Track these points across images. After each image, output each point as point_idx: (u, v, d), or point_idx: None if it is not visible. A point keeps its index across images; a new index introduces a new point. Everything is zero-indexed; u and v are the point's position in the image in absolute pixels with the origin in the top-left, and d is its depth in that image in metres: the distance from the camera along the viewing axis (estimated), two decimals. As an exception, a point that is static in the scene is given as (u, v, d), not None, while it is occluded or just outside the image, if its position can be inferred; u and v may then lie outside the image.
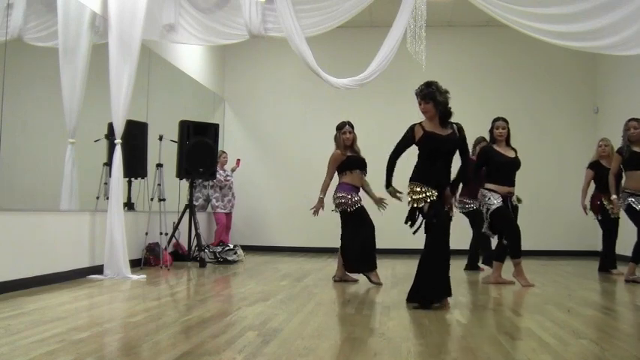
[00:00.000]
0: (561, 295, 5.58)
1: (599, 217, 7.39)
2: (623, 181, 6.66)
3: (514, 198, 6.20)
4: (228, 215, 9.56)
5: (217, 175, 8.72)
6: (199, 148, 7.76)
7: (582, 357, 3.11)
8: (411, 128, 4.77)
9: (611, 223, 7.28)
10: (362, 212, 6.18)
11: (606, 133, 10.50)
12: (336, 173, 6.30)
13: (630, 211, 6.46)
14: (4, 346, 3.10)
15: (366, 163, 6.29)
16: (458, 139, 4.76)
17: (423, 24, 6.61)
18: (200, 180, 8.91)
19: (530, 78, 10.81)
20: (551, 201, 10.46)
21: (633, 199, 6.38)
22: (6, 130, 5.17)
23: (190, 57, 9.60)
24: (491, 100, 10.77)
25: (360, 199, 6.21)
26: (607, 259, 7.43)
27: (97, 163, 6.77)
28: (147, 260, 7.23)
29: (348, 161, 6.21)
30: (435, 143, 4.68)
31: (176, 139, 7.73)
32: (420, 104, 4.72)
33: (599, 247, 10.49)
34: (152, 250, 7.35)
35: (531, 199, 10.60)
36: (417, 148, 4.79)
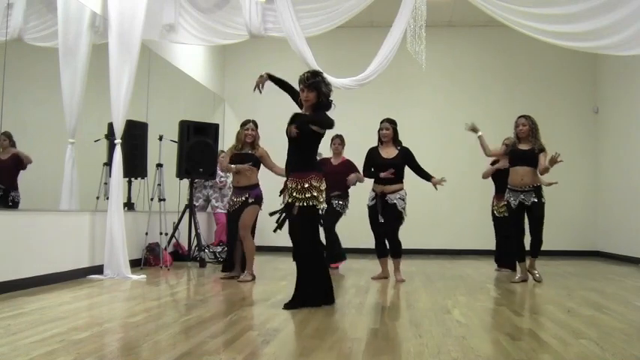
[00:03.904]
0: (561, 295, 5.58)
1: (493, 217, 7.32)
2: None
3: (392, 197, 6.27)
4: (228, 215, 9.55)
5: (217, 176, 8.72)
6: (199, 148, 7.75)
7: (582, 357, 3.11)
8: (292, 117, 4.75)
9: (499, 221, 7.22)
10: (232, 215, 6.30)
11: (606, 133, 10.54)
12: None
13: (508, 207, 6.49)
14: (4, 346, 3.10)
15: (255, 159, 6.35)
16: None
17: (423, 24, 6.62)
18: (200, 180, 8.90)
19: (530, 78, 10.81)
20: (550, 201, 10.37)
21: (510, 195, 6.38)
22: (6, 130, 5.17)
23: (190, 57, 9.60)
24: (490, 100, 10.78)
25: (235, 202, 6.29)
26: (505, 256, 7.40)
27: (97, 163, 6.77)
28: (147, 260, 7.23)
29: (231, 161, 6.26)
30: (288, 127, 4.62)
31: (176, 139, 7.73)
32: (302, 91, 4.66)
33: (598, 246, 10.56)
34: (152, 250, 7.35)
35: (531, 199, 10.63)
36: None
